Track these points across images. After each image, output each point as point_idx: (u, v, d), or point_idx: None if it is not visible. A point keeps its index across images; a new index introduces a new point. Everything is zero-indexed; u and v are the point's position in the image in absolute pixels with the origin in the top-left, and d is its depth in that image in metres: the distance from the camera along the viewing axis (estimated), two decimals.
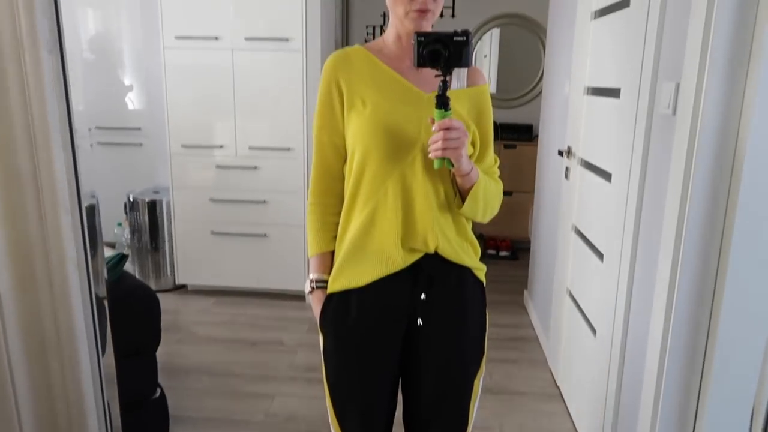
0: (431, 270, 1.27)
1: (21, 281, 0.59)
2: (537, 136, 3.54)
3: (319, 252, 1.33)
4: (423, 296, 1.27)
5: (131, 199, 3.49)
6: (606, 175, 2.04)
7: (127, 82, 3.90)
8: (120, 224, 3.68)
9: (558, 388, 2.56)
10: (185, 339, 2.99)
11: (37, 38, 0.52)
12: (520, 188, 4.02)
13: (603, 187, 2.07)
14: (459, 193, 1.25)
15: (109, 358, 0.89)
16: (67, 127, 0.55)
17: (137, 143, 3.91)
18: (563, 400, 2.47)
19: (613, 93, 1.98)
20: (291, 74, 3.17)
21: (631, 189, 1.76)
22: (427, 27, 1.19)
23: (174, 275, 3.55)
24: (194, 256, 3.48)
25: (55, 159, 0.55)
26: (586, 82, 2.35)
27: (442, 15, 1.24)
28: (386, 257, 1.24)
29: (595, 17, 2.27)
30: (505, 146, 4.24)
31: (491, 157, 1.34)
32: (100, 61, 3.88)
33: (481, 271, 1.35)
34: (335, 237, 1.32)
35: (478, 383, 1.36)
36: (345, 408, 1.33)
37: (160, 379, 2.19)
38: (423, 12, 1.17)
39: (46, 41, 0.52)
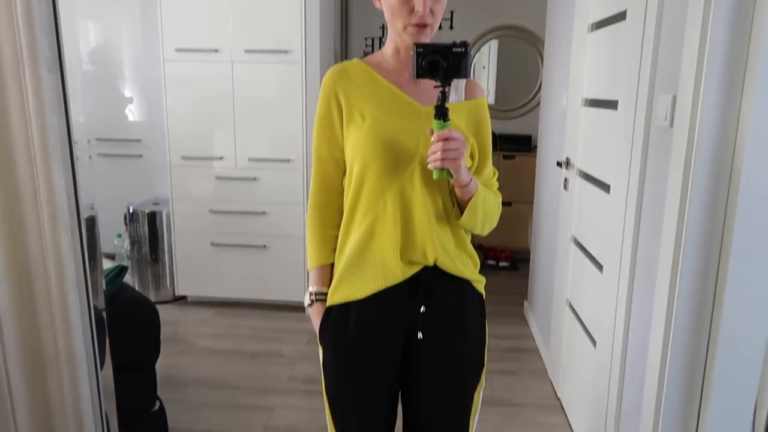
0: (430, 282, 1.27)
1: (20, 298, 0.60)
2: (536, 146, 3.55)
3: (319, 265, 1.34)
4: (422, 309, 1.27)
5: (131, 211, 3.49)
6: (605, 187, 2.05)
7: (127, 93, 3.92)
8: (120, 235, 3.68)
9: (558, 399, 2.55)
10: (185, 351, 2.98)
11: (38, 57, 0.52)
12: (519, 199, 4.02)
13: (602, 199, 2.07)
14: (458, 205, 1.26)
15: (108, 371, 0.89)
16: (67, 146, 0.56)
17: (137, 155, 3.92)
18: (564, 411, 2.46)
19: (611, 105, 1.99)
20: (290, 86, 3.18)
21: (629, 200, 1.76)
22: (426, 41, 1.20)
23: (174, 286, 3.55)
24: (194, 267, 3.48)
25: (54, 177, 0.56)
26: (584, 93, 2.37)
27: (440, 27, 1.26)
28: (385, 270, 1.24)
29: (592, 30, 2.29)
30: (504, 157, 4.25)
31: (490, 170, 1.35)
32: (101, 73, 3.90)
33: (480, 283, 1.35)
34: (335, 250, 1.33)
35: (479, 396, 1.36)
36: (345, 421, 1.32)
37: (160, 392, 2.18)
38: (421, 26, 1.18)
39: (46, 60, 0.53)
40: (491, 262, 4.37)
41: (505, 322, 3.36)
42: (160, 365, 2.18)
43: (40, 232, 0.57)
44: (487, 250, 4.40)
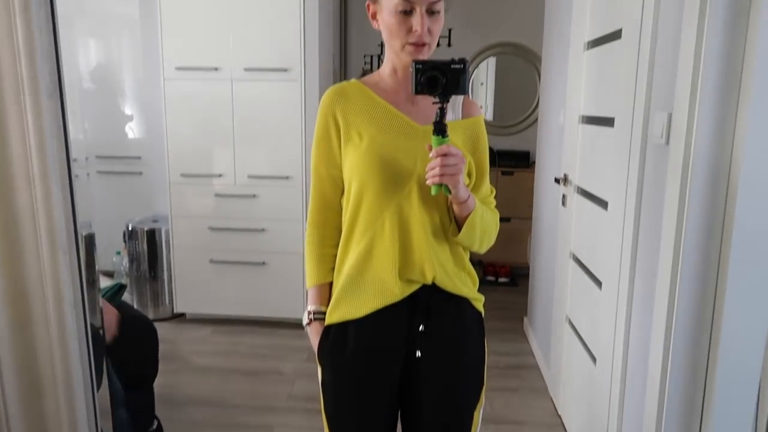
0: (429, 301, 1.27)
1: (18, 321, 0.60)
2: (534, 162, 3.57)
3: (317, 284, 1.34)
4: (421, 327, 1.27)
5: (130, 228, 3.50)
6: (602, 203, 2.06)
7: (127, 111, 3.95)
8: (119, 253, 3.68)
9: (559, 417, 2.53)
10: (183, 369, 2.96)
11: (38, 84, 0.53)
12: (518, 214, 4.03)
13: (600, 215, 2.08)
14: (455, 222, 1.26)
15: (105, 391, 0.89)
16: (66, 171, 0.56)
17: (137, 172, 3.93)
18: (564, 429, 2.44)
19: (608, 122, 2.00)
20: (289, 104, 3.20)
21: (627, 217, 1.77)
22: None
23: (172, 304, 3.54)
24: (193, 284, 3.47)
25: (53, 201, 0.56)
26: (581, 110, 2.38)
27: (438, 44, 1.27)
28: (384, 289, 1.25)
29: (588, 48, 2.31)
30: (503, 173, 4.27)
31: (487, 187, 1.35)
32: (101, 91, 3.93)
33: (479, 301, 1.35)
34: (333, 268, 1.33)
35: (478, 415, 1.35)
36: None
37: (158, 411, 2.17)
38: (420, 46, 1.19)
39: (46, 87, 0.53)
40: (491, 277, 4.36)
41: (505, 339, 3.35)
42: (158, 384, 2.17)
43: (38, 255, 0.58)
44: (486, 266, 4.39)
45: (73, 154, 0.66)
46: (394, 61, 1.26)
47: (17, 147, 0.55)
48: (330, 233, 1.32)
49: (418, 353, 1.27)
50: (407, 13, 1.16)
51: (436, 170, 1.12)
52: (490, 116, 4.65)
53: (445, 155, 1.12)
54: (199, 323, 3.52)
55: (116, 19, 3.83)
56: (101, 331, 1.61)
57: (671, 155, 1.46)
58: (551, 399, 2.68)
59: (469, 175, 1.27)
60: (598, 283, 2.08)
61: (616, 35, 1.94)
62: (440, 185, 1.15)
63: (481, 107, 4.67)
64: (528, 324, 3.44)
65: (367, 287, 1.26)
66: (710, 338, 1.44)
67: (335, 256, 1.32)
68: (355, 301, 1.27)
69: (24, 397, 0.63)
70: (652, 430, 1.55)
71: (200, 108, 3.27)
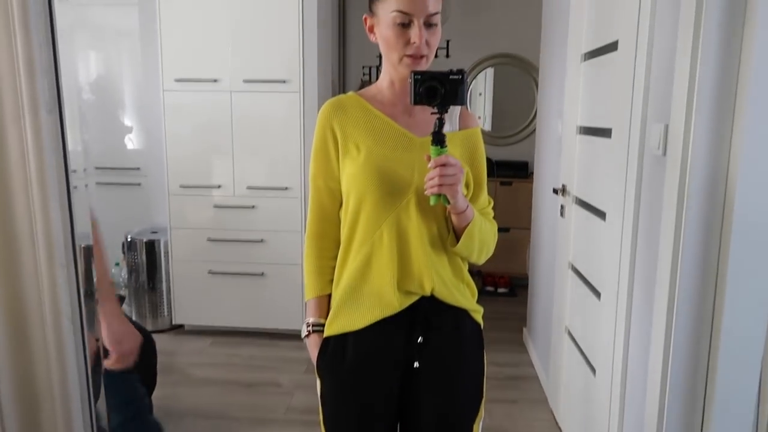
0: (428, 313, 1.27)
1: (15, 334, 0.60)
2: (532, 173, 3.58)
3: (316, 296, 1.34)
4: (420, 339, 1.27)
5: (129, 239, 3.49)
6: (600, 214, 2.06)
7: (127, 122, 3.96)
8: (118, 264, 3.67)
9: (559, 428, 2.52)
10: (181, 381, 2.95)
11: (38, 99, 0.53)
12: (516, 225, 4.04)
13: (598, 226, 2.08)
14: (454, 233, 1.26)
15: (102, 404, 0.88)
16: (65, 184, 0.57)
17: (136, 183, 3.94)
18: None
19: (605, 133, 2.01)
20: (288, 115, 3.22)
21: (625, 228, 1.77)
22: None
23: (171, 315, 3.53)
24: (191, 295, 3.47)
25: (52, 216, 0.56)
26: (578, 121, 2.39)
27: (436, 55, 1.28)
28: (382, 300, 1.25)
29: (585, 59, 2.33)
30: (501, 183, 4.28)
31: (485, 198, 1.36)
32: (101, 102, 3.94)
33: (478, 313, 1.35)
34: (332, 280, 1.33)
35: (478, 427, 1.35)
36: None
37: None
38: (418, 58, 1.20)
39: (45, 102, 0.54)
40: (490, 288, 4.36)
41: (505, 350, 3.34)
42: (156, 395, 2.16)
43: (35, 268, 0.58)
44: (485, 276, 4.39)
45: (72, 166, 0.67)
46: (392, 73, 1.26)
47: (16, 160, 0.55)
48: (329, 245, 1.33)
49: (416, 363, 1.27)
50: (405, 25, 1.17)
51: (435, 180, 1.13)
52: (488, 127, 4.67)
53: (443, 165, 1.13)
54: (197, 335, 3.51)
55: (116, 31, 3.85)
56: (99, 342, 1.59)
57: (668, 166, 1.47)
58: (551, 410, 2.67)
59: (467, 186, 1.28)
60: (597, 293, 2.07)
61: (612, 47, 1.95)
62: (439, 195, 1.16)
63: (480, 118, 4.69)
64: (527, 335, 3.43)
65: (366, 299, 1.26)
66: (709, 349, 1.43)
67: (334, 267, 1.32)
68: (354, 313, 1.27)
69: (21, 410, 0.62)
70: None
71: (199, 119, 3.29)
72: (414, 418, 1.30)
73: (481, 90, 4.67)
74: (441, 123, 1.14)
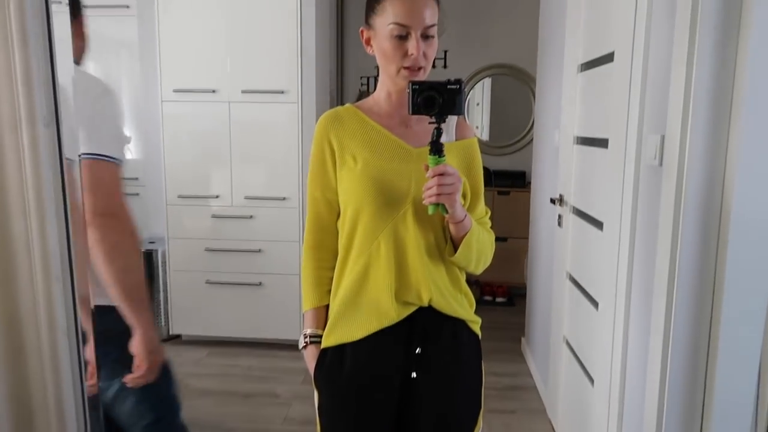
0: (425, 323, 1.27)
1: (10, 348, 0.60)
2: (530, 182, 3.59)
3: (313, 307, 1.34)
4: (418, 350, 1.27)
5: None
6: (598, 224, 2.06)
7: (125, 132, 3.96)
8: None
9: None
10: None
11: (35, 112, 0.54)
12: (514, 234, 4.04)
13: (595, 236, 2.09)
14: (452, 242, 1.26)
15: (98, 419, 0.88)
16: (61, 198, 0.57)
17: (134, 193, 3.93)
18: None
19: (602, 143, 2.02)
20: (286, 125, 3.22)
21: (622, 238, 1.77)
22: None
23: (168, 325, 3.51)
24: (189, 306, 3.46)
25: (48, 228, 0.56)
26: (575, 131, 2.40)
27: (434, 66, 1.29)
28: (380, 311, 1.25)
29: (581, 70, 2.34)
30: (499, 193, 4.28)
31: (482, 208, 1.36)
32: None
33: (476, 323, 1.35)
34: (329, 291, 1.33)
35: None
36: None
37: None
38: (415, 70, 1.21)
39: (43, 116, 0.54)
40: (488, 297, 4.35)
41: (503, 359, 3.33)
42: None
43: (32, 282, 0.58)
44: (483, 286, 4.39)
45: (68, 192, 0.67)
46: (389, 85, 1.27)
47: (12, 173, 0.55)
48: (326, 256, 1.33)
49: (414, 375, 1.27)
50: (402, 38, 1.18)
51: (433, 189, 1.13)
52: (486, 136, 4.68)
53: (442, 174, 1.13)
54: (194, 345, 3.49)
55: (115, 41, 3.86)
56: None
57: (665, 177, 1.47)
58: (549, 421, 2.65)
59: (464, 196, 1.28)
60: (595, 303, 2.07)
61: (608, 58, 1.97)
62: (437, 205, 1.16)
63: (477, 127, 4.71)
64: (526, 344, 3.42)
65: (364, 310, 1.26)
66: (707, 359, 1.43)
67: (331, 278, 1.32)
68: (352, 324, 1.27)
69: (15, 424, 0.62)
70: None
71: (198, 130, 3.29)
72: (412, 429, 1.30)
73: (479, 100, 4.69)
74: (439, 132, 1.14)
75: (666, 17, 1.50)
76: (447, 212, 1.18)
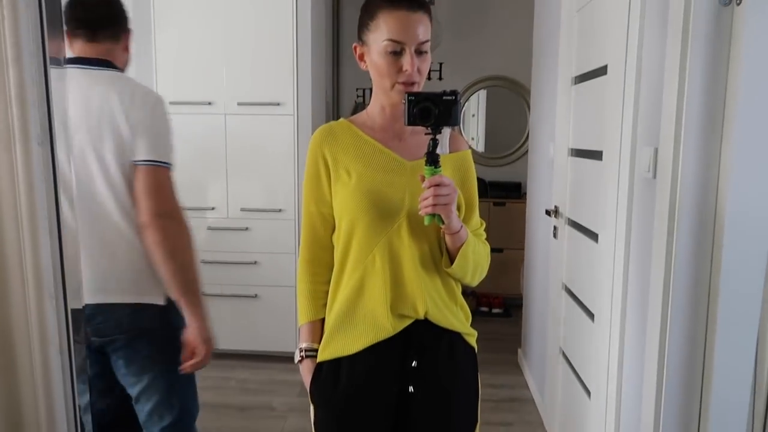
0: (421, 336, 1.27)
1: (1, 366, 0.59)
2: (525, 193, 3.60)
3: (309, 320, 1.33)
4: (414, 363, 1.26)
5: None
6: (593, 236, 2.07)
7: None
8: None
9: None
10: None
11: (29, 131, 0.54)
12: (510, 245, 4.04)
13: (590, 247, 2.09)
14: (448, 253, 1.27)
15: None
16: (55, 214, 0.57)
17: None
18: None
19: (596, 155, 2.03)
20: (282, 137, 3.23)
21: (617, 250, 1.78)
22: None
23: None
24: None
25: (41, 245, 0.56)
26: (570, 143, 2.42)
27: (429, 78, 1.30)
28: (376, 324, 1.24)
29: (575, 82, 2.36)
30: (495, 204, 4.29)
31: (477, 220, 1.36)
32: None
33: (472, 336, 1.35)
34: (325, 305, 1.33)
35: None
36: None
37: None
38: (410, 84, 1.21)
39: (37, 134, 0.54)
40: (484, 308, 4.34)
41: (500, 371, 3.32)
42: None
43: (24, 301, 0.58)
44: (480, 297, 4.38)
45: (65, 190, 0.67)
46: (383, 99, 1.28)
47: (6, 191, 0.55)
48: (321, 270, 1.33)
49: (411, 389, 1.26)
50: (397, 53, 1.19)
51: (429, 200, 1.14)
52: (481, 148, 4.70)
53: (437, 185, 1.13)
54: None
55: None
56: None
57: (658, 189, 1.48)
58: None
59: (458, 208, 1.29)
60: (591, 315, 2.07)
61: (602, 71, 1.98)
62: (433, 216, 1.16)
63: (473, 139, 4.73)
64: (522, 356, 3.41)
65: (359, 323, 1.26)
66: (703, 371, 1.43)
67: (327, 292, 1.32)
68: (347, 338, 1.26)
69: None
70: None
71: (193, 142, 3.29)
72: None
73: (474, 111, 4.72)
74: (435, 143, 1.15)
75: (658, 31, 1.52)
76: (443, 223, 1.18)
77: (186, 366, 1.58)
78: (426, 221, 1.17)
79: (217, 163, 3.30)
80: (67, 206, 0.60)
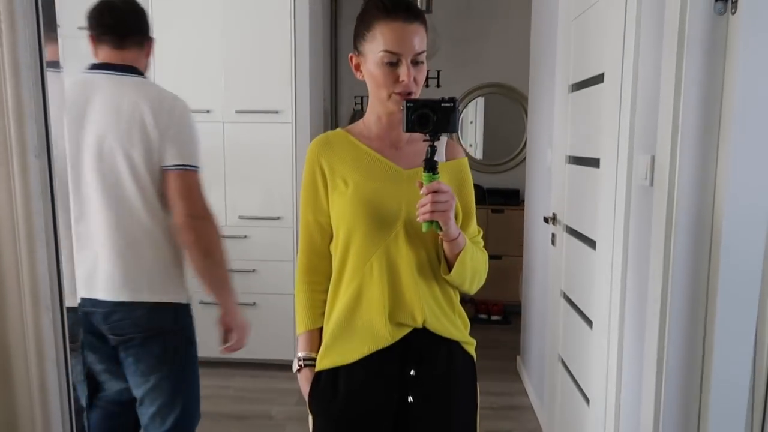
0: (420, 345, 1.27)
1: None
2: (524, 200, 3.60)
3: (307, 330, 1.33)
4: (412, 372, 1.26)
5: None
6: (591, 243, 2.07)
7: None
8: None
9: None
10: None
11: (26, 143, 0.54)
12: (508, 252, 4.04)
13: (589, 255, 2.09)
14: (446, 261, 1.27)
15: None
16: (52, 227, 0.57)
17: None
18: None
19: (594, 163, 2.03)
20: (280, 145, 3.23)
21: (615, 257, 1.78)
22: None
23: None
24: None
25: (38, 258, 0.56)
26: (567, 151, 2.42)
27: (427, 85, 1.31)
28: (374, 333, 1.24)
29: (572, 90, 2.37)
30: (493, 211, 4.29)
31: (474, 228, 1.37)
32: None
33: (470, 345, 1.35)
34: (323, 314, 1.33)
35: None
36: None
37: None
38: (406, 95, 1.22)
39: (34, 147, 0.54)
40: (483, 315, 4.34)
41: (499, 378, 3.31)
42: None
43: (21, 313, 0.57)
44: (478, 304, 4.38)
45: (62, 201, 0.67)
46: (379, 109, 1.28)
47: (2, 203, 0.55)
48: (319, 279, 1.33)
49: (410, 398, 1.26)
50: (393, 64, 1.19)
51: (427, 207, 1.14)
52: (479, 154, 4.71)
53: (435, 192, 1.13)
54: None
55: None
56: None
57: (655, 197, 1.48)
58: None
59: (456, 216, 1.29)
60: (589, 322, 2.07)
61: (598, 79, 1.99)
62: (431, 222, 1.16)
63: (471, 145, 4.74)
64: (521, 363, 3.41)
65: (358, 332, 1.25)
66: (701, 378, 1.43)
67: (325, 301, 1.32)
68: (346, 347, 1.26)
69: None
70: None
71: None
72: None
73: (472, 118, 4.73)
74: (433, 150, 1.15)
75: (654, 39, 1.52)
76: (441, 230, 1.18)
77: (225, 348, 1.77)
78: (424, 228, 1.17)
79: (216, 171, 3.30)
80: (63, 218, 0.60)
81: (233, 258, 3.33)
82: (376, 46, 1.20)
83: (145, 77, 1.68)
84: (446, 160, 1.33)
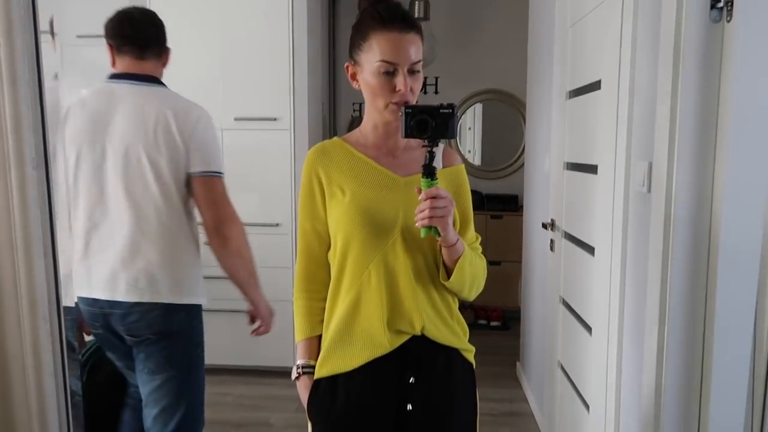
0: (419, 353, 1.27)
1: None
2: (522, 206, 3.60)
3: (306, 337, 1.33)
4: (411, 380, 1.26)
5: None
6: (589, 249, 2.07)
7: None
8: None
9: None
10: None
11: (24, 155, 0.54)
12: (507, 258, 4.04)
13: (587, 261, 2.09)
14: (445, 267, 1.27)
15: None
16: (49, 238, 0.57)
17: None
18: None
19: (592, 169, 2.04)
20: (279, 152, 3.24)
21: (614, 263, 1.78)
22: None
23: None
24: None
25: (36, 268, 0.56)
26: (565, 157, 2.43)
27: (425, 92, 1.31)
28: (373, 341, 1.24)
29: (570, 97, 2.37)
30: (492, 216, 4.29)
31: (472, 234, 1.37)
32: None
33: (470, 352, 1.35)
34: (322, 321, 1.33)
35: None
36: None
37: None
38: (402, 104, 1.22)
39: (31, 159, 0.54)
40: (482, 321, 4.33)
41: (498, 385, 3.30)
42: None
43: (19, 323, 0.57)
44: (478, 310, 4.37)
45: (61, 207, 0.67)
46: (376, 118, 1.28)
47: (1, 214, 0.55)
48: (317, 287, 1.33)
49: (409, 406, 1.26)
50: (390, 74, 1.20)
51: (426, 212, 1.14)
52: (478, 161, 4.71)
53: (434, 197, 1.14)
54: None
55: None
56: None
57: (653, 203, 1.49)
58: None
59: (453, 223, 1.29)
60: (588, 328, 2.07)
61: (596, 86, 2.00)
62: (429, 228, 1.16)
63: (469, 152, 4.75)
64: (521, 369, 3.40)
65: (356, 340, 1.25)
66: (701, 384, 1.43)
67: (323, 309, 1.32)
68: (345, 355, 1.26)
69: None
70: None
71: None
72: None
73: (471, 125, 4.74)
74: (431, 156, 1.15)
75: (650, 46, 1.53)
76: (439, 235, 1.18)
77: (255, 331, 1.94)
78: (422, 234, 1.17)
79: None
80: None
81: None
82: (372, 55, 1.20)
83: (165, 86, 1.73)
84: (443, 167, 1.33)
